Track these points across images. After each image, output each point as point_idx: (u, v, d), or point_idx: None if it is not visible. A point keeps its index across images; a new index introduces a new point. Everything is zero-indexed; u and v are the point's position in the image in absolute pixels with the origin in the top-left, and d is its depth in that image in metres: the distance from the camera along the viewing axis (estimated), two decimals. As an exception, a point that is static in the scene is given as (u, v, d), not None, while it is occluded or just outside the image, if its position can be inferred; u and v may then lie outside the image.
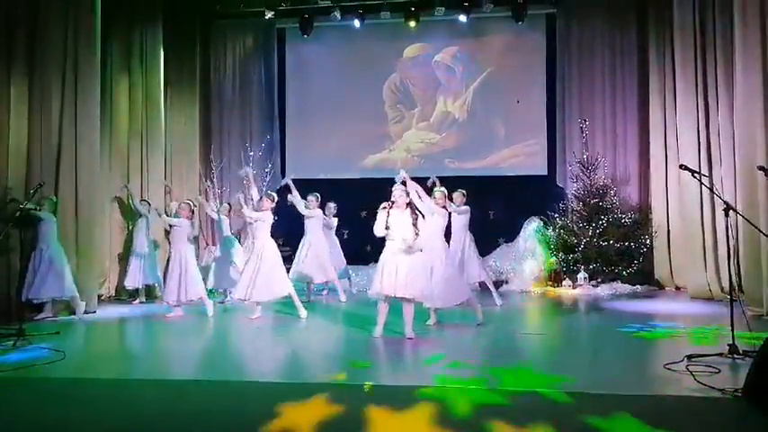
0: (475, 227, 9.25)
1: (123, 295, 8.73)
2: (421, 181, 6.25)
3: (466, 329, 6.13)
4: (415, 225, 5.51)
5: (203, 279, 7.66)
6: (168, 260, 7.86)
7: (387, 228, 5.51)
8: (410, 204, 5.61)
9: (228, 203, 8.88)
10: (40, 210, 6.87)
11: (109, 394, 4.06)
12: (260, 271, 6.75)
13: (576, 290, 9.05)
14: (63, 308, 7.21)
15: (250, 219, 6.98)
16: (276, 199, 7.17)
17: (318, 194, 8.35)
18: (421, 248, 5.59)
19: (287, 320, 6.85)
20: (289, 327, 6.60)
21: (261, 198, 7.26)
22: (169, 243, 7.74)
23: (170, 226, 7.43)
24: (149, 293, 8.62)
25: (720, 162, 7.99)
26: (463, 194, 7.52)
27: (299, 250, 8.04)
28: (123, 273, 8.69)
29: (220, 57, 11.38)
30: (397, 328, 5.74)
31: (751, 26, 6.65)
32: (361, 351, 5.29)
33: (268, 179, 10.70)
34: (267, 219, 6.94)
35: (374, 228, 5.59)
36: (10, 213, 6.60)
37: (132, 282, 8.45)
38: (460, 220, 7.44)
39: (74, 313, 7.12)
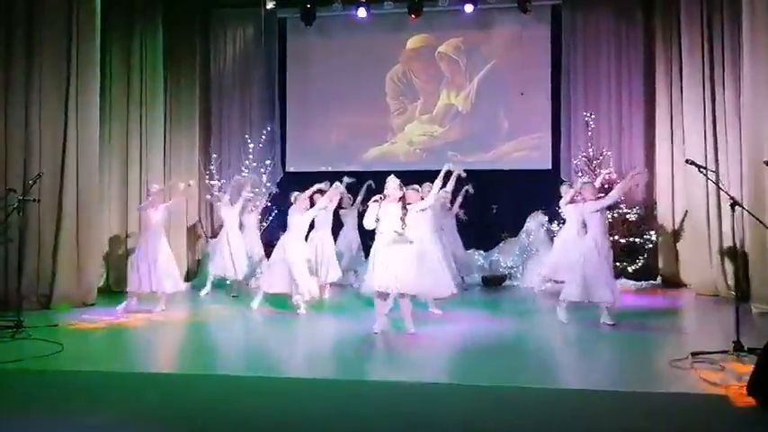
0: (478, 221, 9.22)
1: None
2: (421, 174, 6.18)
3: (470, 322, 6.10)
4: (402, 219, 5.45)
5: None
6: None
7: (377, 220, 5.47)
8: (402, 198, 5.55)
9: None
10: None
11: (106, 387, 4.03)
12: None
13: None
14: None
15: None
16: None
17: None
18: (411, 240, 5.52)
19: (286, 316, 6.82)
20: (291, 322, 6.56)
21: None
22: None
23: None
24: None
25: (727, 157, 7.90)
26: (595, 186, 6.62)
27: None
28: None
29: (220, 47, 11.27)
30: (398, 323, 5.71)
31: (759, 18, 6.55)
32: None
33: (268, 170, 10.63)
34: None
35: (364, 220, 5.57)
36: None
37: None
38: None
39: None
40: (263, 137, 10.85)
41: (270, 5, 10.49)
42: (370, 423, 3.33)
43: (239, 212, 8.46)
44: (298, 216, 6.78)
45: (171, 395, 3.88)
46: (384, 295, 5.57)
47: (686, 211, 8.69)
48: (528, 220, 9.73)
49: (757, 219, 5.73)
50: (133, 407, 3.62)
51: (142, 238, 7.12)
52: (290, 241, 6.74)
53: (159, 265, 6.80)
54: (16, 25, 7.23)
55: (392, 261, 5.41)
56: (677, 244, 9.09)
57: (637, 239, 9.23)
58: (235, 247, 8.21)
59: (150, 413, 3.51)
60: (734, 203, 4.88)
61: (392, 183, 5.57)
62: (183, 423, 3.35)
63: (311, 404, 3.64)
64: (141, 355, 5.29)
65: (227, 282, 8.40)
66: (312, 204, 6.96)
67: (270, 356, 5.24)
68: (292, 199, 6.94)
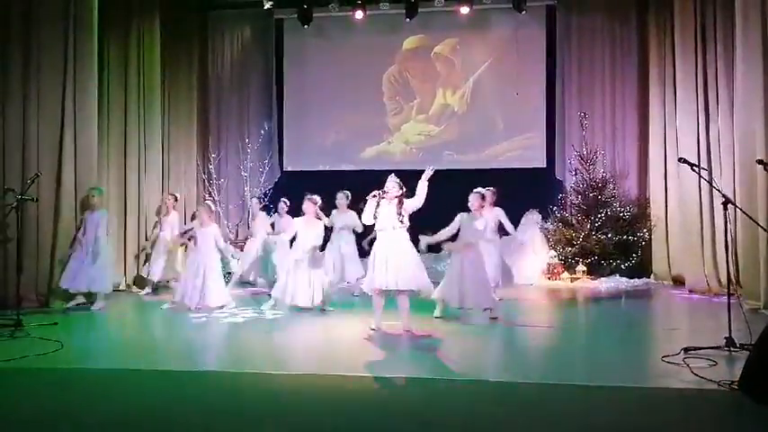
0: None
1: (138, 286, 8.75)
2: (417, 174, 6.20)
3: (468, 323, 6.14)
4: (400, 213, 5.54)
5: None
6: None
7: (375, 217, 5.53)
8: (400, 197, 5.60)
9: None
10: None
11: (105, 385, 4.06)
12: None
13: (575, 283, 9.06)
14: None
15: None
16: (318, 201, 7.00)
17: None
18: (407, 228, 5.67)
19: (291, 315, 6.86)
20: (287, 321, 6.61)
21: None
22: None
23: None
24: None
25: (720, 155, 7.98)
26: (493, 193, 7.15)
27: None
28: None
29: (218, 47, 11.30)
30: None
31: (752, 19, 6.62)
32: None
33: (266, 171, 10.66)
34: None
35: (362, 216, 5.62)
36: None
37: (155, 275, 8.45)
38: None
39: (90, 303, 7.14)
40: (261, 136, 10.89)
41: (267, 6, 10.50)
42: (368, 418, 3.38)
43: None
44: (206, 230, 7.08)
45: (171, 392, 3.91)
46: (383, 293, 5.63)
47: (679, 209, 8.78)
48: (523, 218, 9.79)
49: (749, 216, 5.79)
50: (133, 404, 3.64)
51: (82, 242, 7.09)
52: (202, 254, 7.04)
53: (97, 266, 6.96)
54: (13, 24, 7.23)
55: (393, 260, 5.46)
56: (670, 241, 9.18)
57: (630, 237, 9.31)
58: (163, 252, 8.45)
59: (151, 410, 3.54)
60: (726, 201, 4.93)
61: (392, 181, 5.63)
62: (183, 420, 3.39)
63: (309, 400, 3.69)
64: (141, 352, 5.31)
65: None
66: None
67: (257, 354, 5.28)
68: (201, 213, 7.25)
